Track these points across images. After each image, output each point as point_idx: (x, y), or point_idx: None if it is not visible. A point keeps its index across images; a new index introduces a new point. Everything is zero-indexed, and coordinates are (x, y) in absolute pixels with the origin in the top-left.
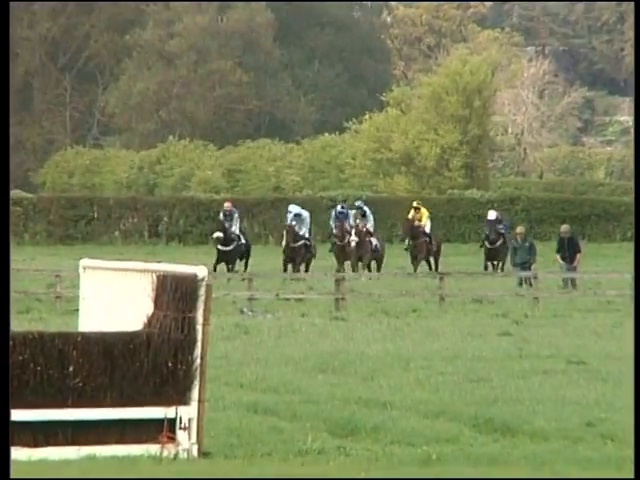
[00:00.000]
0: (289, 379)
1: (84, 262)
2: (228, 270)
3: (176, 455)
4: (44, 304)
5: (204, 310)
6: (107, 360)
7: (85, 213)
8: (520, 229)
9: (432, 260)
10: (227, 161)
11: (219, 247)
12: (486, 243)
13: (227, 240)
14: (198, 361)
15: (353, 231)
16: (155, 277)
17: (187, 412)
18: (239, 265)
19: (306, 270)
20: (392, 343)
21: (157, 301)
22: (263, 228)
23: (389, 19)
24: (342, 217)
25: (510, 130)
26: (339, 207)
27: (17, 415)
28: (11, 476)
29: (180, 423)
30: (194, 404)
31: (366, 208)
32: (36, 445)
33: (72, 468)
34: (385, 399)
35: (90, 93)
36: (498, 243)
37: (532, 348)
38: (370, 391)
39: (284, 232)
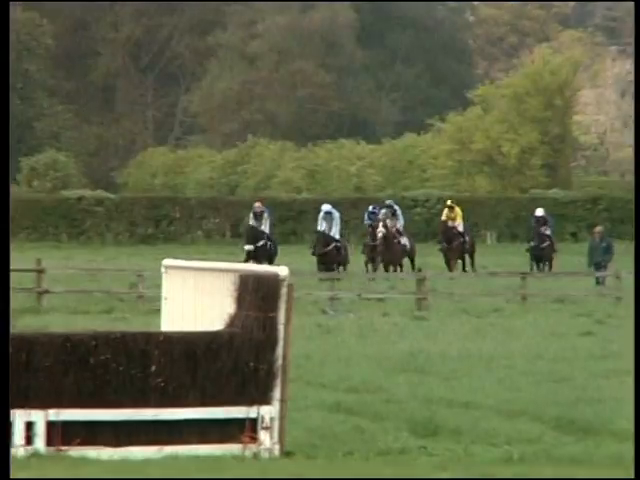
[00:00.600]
0: (370, 379)
1: (166, 262)
2: None
3: (258, 455)
4: (126, 304)
5: (286, 310)
6: (189, 360)
7: (167, 213)
8: (598, 229)
9: (468, 259)
10: (308, 161)
11: (245, 247)
12: (531, 243)
13: (255, 239)
14: (280, 361)
15: (381, 232)
16: (237, 277)
17: (269, 412)
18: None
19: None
20: (473, 343)
21: (239, 301)
22: (344, 228)
23: (472, 19)
24: (373, 217)
25: (593, 129)
26: (370, 207)
27: (100, 414)
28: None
29: (262, 423)
30: (276, 404)
31: (396, 207)
32: (118, 445)
33: (154, 468)
34: (466, 399)
35: (172, 94)
36: (544, 244)
37: (614, 348)
38: (451, 391)
39: (315, 237)
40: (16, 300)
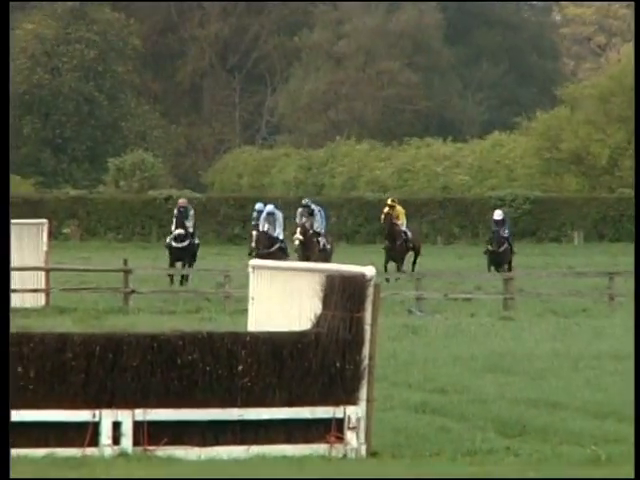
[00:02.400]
0: (457, 379)
1: (253, 262)
2: (183, 267)
3: (344, 455)
4: (213, 304)
5: (372, 310)
6: (276, 360)
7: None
8: None
9: (409, 258)
10: (396, 161)
11: (173, 244)
12: (489, 247)
13: (183, 237)
14: (366, 361)
15: (298, 230)
16: (324, 277)
17: (355, 412)
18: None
19: None
20: (561, 343)
21: (325, 301)
22: (432, 228)
23: (558, 18)
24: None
25: None
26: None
27: (186, 414)
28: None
29: (348, 423)
30: (362, 404)
31: (314, 207)
32: (205, 445)
33: (240, 468)
34: (554, 399)
35: (259, 94)
36: (502, 248)
37: None
38: (539, 391)
39: (254, 235)
40: (103, 300)
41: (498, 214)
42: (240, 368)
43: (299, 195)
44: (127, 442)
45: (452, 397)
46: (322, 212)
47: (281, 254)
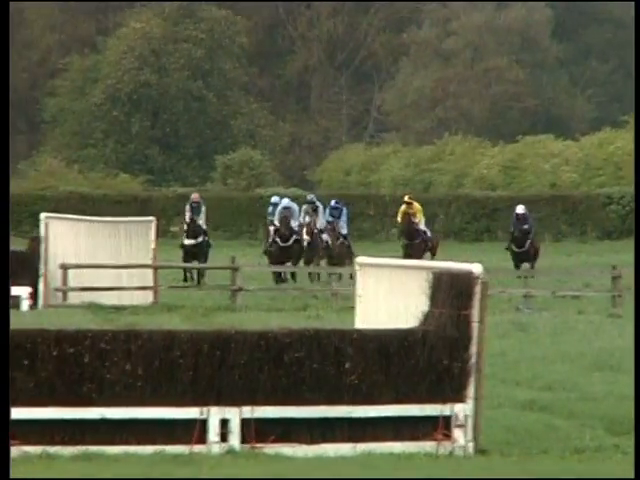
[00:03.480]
0: (565, 377)
1: (360, 259)
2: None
3: (452, 452)
4: (320, 301)
5: (480, 307)
6: (383, 357)
7: (361, 211)
8: None
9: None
10: (503, 158)
11: (186, 242)
12: (512, 246)
13: (194, 233)
14: (474, 358)
15: (305, 230)
16: (431, 274)
17: (463, 409)
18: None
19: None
20: None
21: (433, 298)
22: (539, 225)
23: None
24: (336, 213)
25: None
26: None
27: (294, 412)
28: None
29: (456, 420)
30: (470, 401)
31: (318, 203)
32: (312, 442)
33: (348, 465)
34: None
35: (366, 91)
36: (525, 246)
37: None
38: None
39: (270, 230)
40: (211, 298)
41: (520, 208)
42: (347, 366)
43: (406, 192)
44: (235, 439)
45: (560, 395)
46: (344, 210)
47: (298, 248)
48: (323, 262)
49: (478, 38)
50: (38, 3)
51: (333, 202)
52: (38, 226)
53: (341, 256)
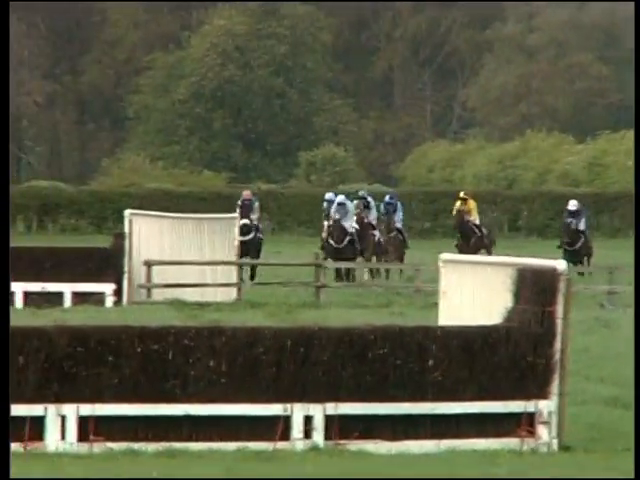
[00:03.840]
0: None
1: (444, 256)
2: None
3: (536, 449)
4: (404, 298)
5: (564, 304)
6: (466, 354)
7: (445, 207)
8: None
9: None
10: (587, 154)
11: (240, 238)
12: (564, 244)
13: (247, 229)
14: (558, 355)
15: (354, 219)
16: (515, 271)
17: (547, 406)
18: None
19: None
20: None
21: (517, 295)
22: (623, 222)
23: None
24: (390, 209)
25: None
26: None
27: (377, 408)
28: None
29: (540, 417)
30: (554, 398)
31: (370, 199)
32: (396, 439)
33: (431, 461)
34: None
35: (450, 88)
36: (578, 244)
37: None
38: None
39: (325, 226)
40: (294, 294)
41: (573, 204)
42: (431, 362)
43: (490, 189)
44: (318, 436)
45: None
46: (399, 205)
47: (352, 248)
48: (374, 258)
49: (562, 34)
50: (122, 3)
51: (387, 197)
52: (122, 223)
53: (395, 249)
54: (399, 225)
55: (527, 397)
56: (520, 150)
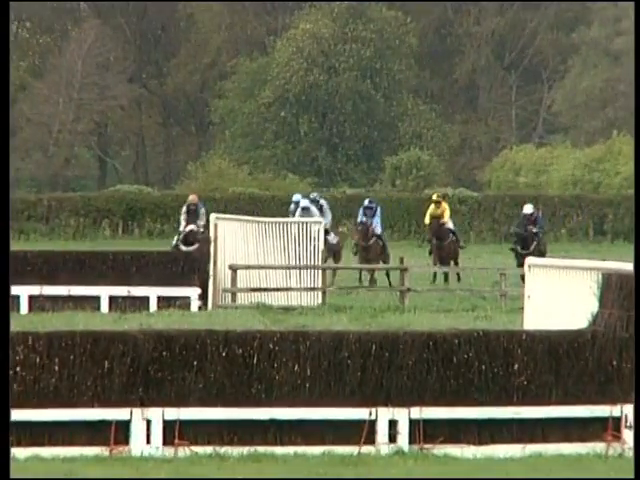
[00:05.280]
0: None
1: (529, 260)
2: None
3: (622, 454)
4: (489, 302)
5: None
6: (552, 358)
7: None
8: None
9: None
10: None
11: (182, 248)
12: (517, 247)
13: (193, 238)
14: None
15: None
16: (600, 275)
17: (633, 410)
18: None
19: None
20: None
21: (602, 299)
22: None
23: None
24: (369, 213)
25: None
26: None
27: (462, 413)
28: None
29: (626, 421)
30: None
31: (323, 202)
32: (481, 443)
33: (517, 466)
34: None
35: (536, 91)
36: (531, 247)
37: None
38: None
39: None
40: (379, 298)
41: (528, 208)
42: (516, 367)
43: (575, 193)
44: (403, 440)
45: None
46: (379, 209)
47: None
48: (330, 261)
49: None
50: (207, 4)
51: (366, 201)
52: (207, 227)
53: (375, 256)
54: (378, 231)
55: (613, 401)
56: (606, 154)
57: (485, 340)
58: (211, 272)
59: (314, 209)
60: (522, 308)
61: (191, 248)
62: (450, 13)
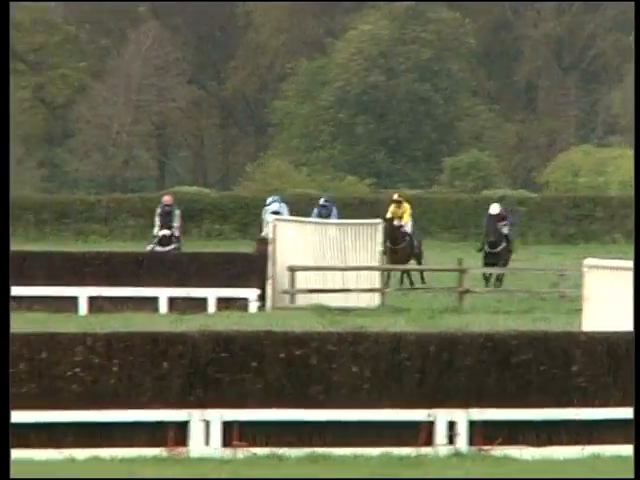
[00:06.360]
0: None
1: (588, 261)
2: None
3: None
4: (548, 303)
5: None
6: (611, 360)
7: (589, 212)
8: None
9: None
10: None
11: (158, 249)
12: (486, 247)
13: (167, 241)
14: None
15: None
16: None
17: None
18: None
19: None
20: None
21: None
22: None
23: None
24: (324, 212)
25: None
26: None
27: (521, 414)
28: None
29: None
30: None
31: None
32: (540, 444)
33: (575, 467)
34: None
35: (595, 92)
36: (499, 247)
37: None
38: None
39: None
40: (437, 300)
41: (494, 208)
42: (575, 368)
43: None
44: (462, 442)
45: None
46: (334, 209)
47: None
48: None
49: None
50: (266, 5)
51: (322, 200)
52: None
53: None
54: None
55: None
56: None
57: (544, 341)
58: (270, 273)
59: (285, 212)
60: (581, 309)
61: (167, 248)
62: (509, 14)
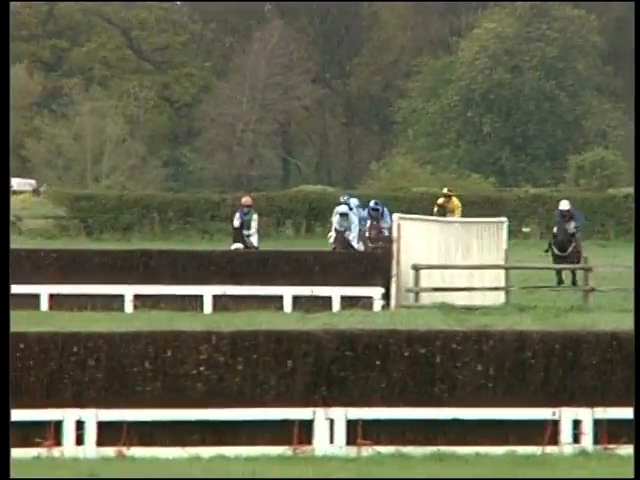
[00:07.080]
0: None
1: None
2: None
3: None
4: None
5: None
6: None
7: None
8: None
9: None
10: None
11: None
12: (554, 248)
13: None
14: None
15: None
16: None
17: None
18: None
19: None
20: None
21: None
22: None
23: None
24: (376, 214)
25: None
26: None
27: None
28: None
29: None
30: None
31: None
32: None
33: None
34: None
35: None
36: (568, 250)
37: None
38: None
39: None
40: (562, 298)
41: (564, 204)
42: None
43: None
44: (588, 441)
45: None
46: (386, 210)
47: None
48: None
49: None
50: (392, 3)
51: (372, 203)
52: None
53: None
54: (387, 233)
55: None
56: None
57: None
58: (394, 272)
59: (353, 216)
60: None
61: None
62: (625, 10)
